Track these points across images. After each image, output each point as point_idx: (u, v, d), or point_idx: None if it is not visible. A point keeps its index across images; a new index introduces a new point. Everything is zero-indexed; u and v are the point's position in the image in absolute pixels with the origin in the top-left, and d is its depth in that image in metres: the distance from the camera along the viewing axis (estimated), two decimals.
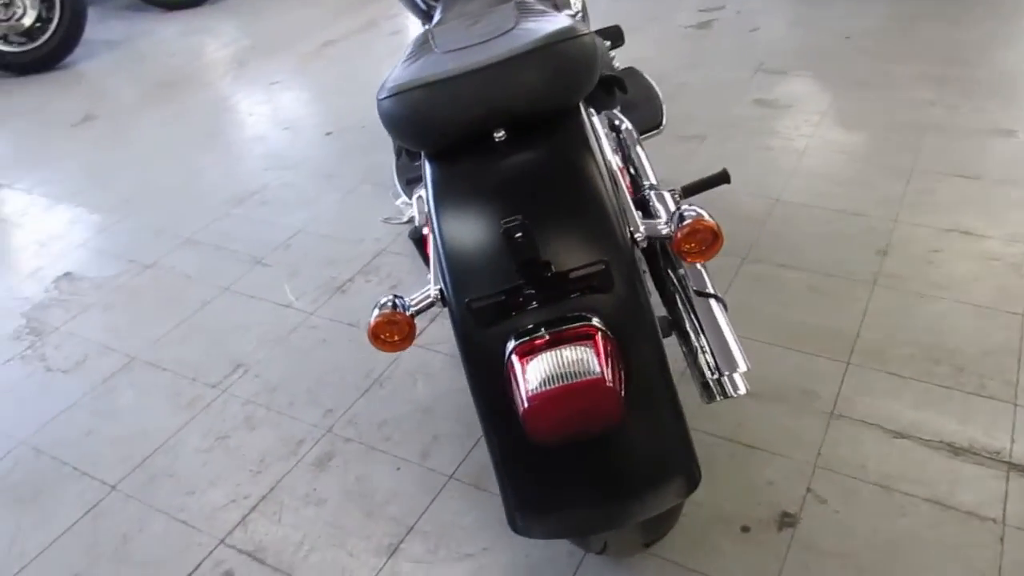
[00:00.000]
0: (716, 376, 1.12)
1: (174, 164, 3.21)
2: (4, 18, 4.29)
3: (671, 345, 1.28)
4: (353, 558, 1.52)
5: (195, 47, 4.59)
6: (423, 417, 1.80)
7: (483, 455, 1.67)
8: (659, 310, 1.24)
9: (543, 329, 1.01)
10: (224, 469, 1.76)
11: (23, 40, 4.38)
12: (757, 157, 2.59)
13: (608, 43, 2.07)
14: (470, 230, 1.08)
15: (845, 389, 1.70)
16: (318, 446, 1.78)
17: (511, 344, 1.02)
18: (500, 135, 1.13)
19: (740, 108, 2.90)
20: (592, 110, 1.46)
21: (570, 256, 1.04)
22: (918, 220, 2.17)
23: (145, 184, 3.08)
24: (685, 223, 1.05)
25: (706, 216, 1.05)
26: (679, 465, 1.09)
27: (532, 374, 0.97)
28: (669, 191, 1.41)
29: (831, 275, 2.02)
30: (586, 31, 1.17)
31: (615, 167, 1.25)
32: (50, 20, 4.36)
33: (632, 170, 1.51)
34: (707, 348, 1.14)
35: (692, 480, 1.09)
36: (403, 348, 1.09)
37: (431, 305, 1.11)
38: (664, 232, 1.10)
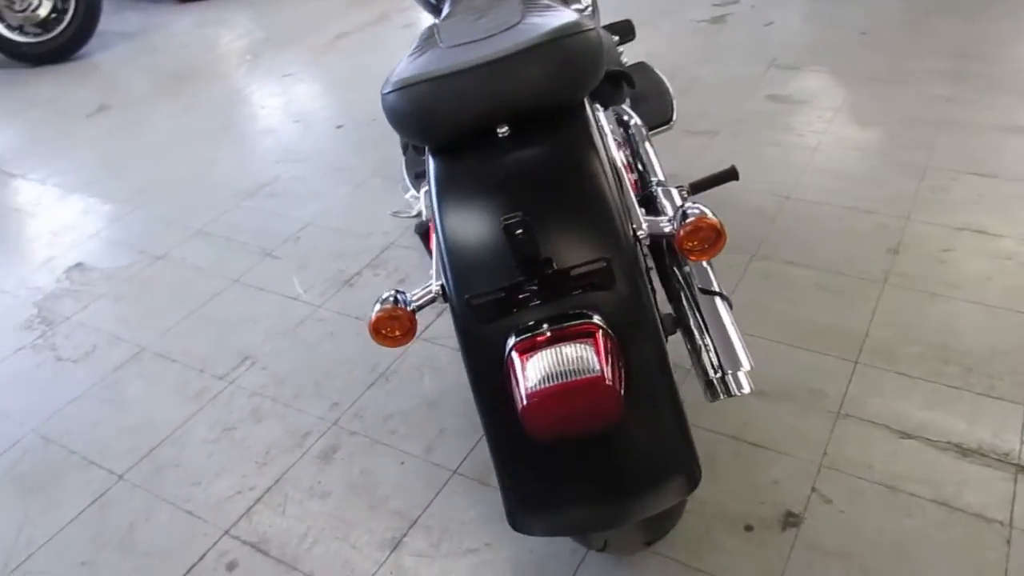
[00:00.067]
0: (720, 374, 1.12)
1: (186, 155, 3.23)
2: (20, 9, 4.32)
3: (676, 342, 1.28)
4: (356, 551, 1.53)
5: (209, 39, 4.61)
6: (429, 411, 1.81)
7: (487, 450, 1.65)
8: (664, 307, 1.23)
9: (544, 326, 1.01)
10: (230, 460, 1.77)
11: (38, 31, 4.41)
12: (769, 153, 2.57)
13: (618, 38, 2.06)
14: (472, 226, 1.08)
15: (853, 388, 1.69)
16: (324, 439, 1.78)
17: (511, 341, 1.01)
18: (503, 131, 1.12)
19: (753, 104, 2.88)
20: (598, 105, 1.45)
21: (572, 253, 1.03)
22: (931, 218, 2.15)
23: (157, 175, 3.10)
24: (688, 221, 1.04)
25: (709, 214, 1.04)
26: (679, 464, 1.08)
27: (532, 371, 0.96)
28: (677, 188, 1.40)
29: (841, 273, 2.00)
30: (591, 26, 1.16)
31: (620, 163, 1.24)
32: (65, 11, 4.38)
33: (640, 166, 1.50)
34: (711, 346, 1.14)
35: (692, 479, 1.08)
36: (404, 343, 1.09)
37: (433, 300, 1.11)
38: (667, 230, 1.10)
